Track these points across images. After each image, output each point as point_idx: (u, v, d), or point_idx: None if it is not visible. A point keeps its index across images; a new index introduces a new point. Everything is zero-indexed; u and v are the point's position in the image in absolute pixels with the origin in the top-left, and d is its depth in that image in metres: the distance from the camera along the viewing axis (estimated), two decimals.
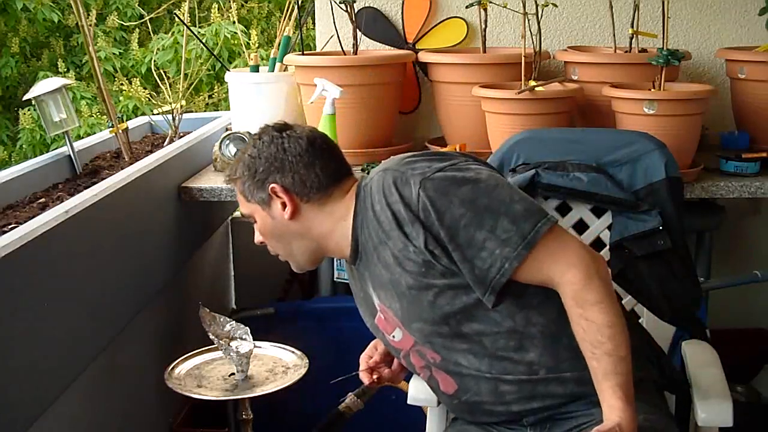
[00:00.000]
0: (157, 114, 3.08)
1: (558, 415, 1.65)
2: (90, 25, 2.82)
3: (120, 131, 2.62)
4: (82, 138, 3.22)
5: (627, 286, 1.93)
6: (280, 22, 2.94)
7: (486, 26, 2.65)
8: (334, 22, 2.68)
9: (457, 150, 2.47)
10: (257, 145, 1.68)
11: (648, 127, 2.16)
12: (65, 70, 7.26)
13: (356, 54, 2.66)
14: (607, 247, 1.94)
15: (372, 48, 2.87)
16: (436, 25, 2.87)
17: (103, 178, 2.28)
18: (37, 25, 7.48)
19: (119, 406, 2.20)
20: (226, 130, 2.87)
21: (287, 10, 2.85)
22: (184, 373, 2.14)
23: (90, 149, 2.69)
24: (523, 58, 2.38)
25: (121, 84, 5.43)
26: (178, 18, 3.74)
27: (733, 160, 2.41)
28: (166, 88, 2.97)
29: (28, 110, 6.74)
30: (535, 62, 2.46)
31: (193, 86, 3.10)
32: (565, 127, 2.40)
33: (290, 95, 2.73)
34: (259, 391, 2.06)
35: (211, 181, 2.53)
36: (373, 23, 2.86)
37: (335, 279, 2.84)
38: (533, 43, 2.44)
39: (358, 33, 2.68)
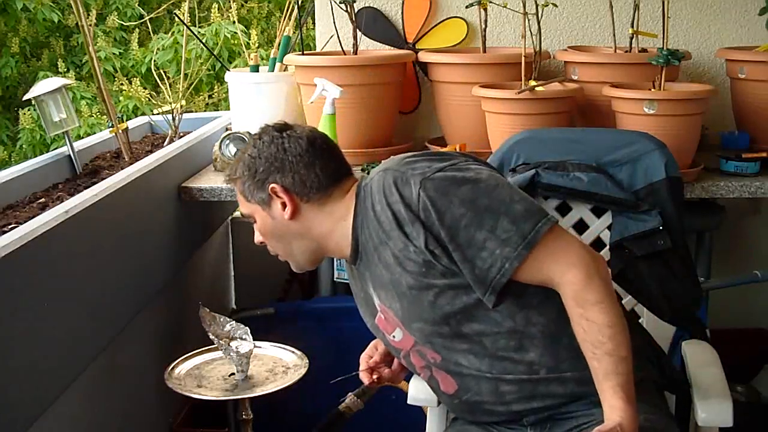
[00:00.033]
0: (157, 114, 3.08)
1: (558, 415, 1.65)
2: (90, 25, 2.82)
3: (120, 131, 2.62)
4: (82, 138, 3.22)
5: (627, 286, 1.93)
6: (280, 22, 2.94)
7: (486, 26, 2.65)
8: (334, 22, 2.68)
9: (457, 150, 2.47)
10: (257, 145, 1.68)
11: (648, 127, 2.16)
12: (65, 70, 7.26)
13: (356, 54, 2.66)
14: (607, 247, 1.94)
15: (372, 48, 2.87)
16: (436, 25, 2.87)
17: (103, 178, 2.28)
18: (37, 25, 7.48)
19: (119, 406, 2.20)
20: (226, 130, 2.87)
21: (287, 10, 2.85)
22: (184, 373, 2.14)
23: (90, 149, 2.69)
24: (523, 58, 2.38)
25: (121, 84, 5.44)
26: (178, 18, 3.74)
27: (733, 160, 2.41)
28: (166, 88, 2.97)
29: (28, 110, 6.75)
30: (535, 62, 2.46)
31: (193, 86, 3.10)
32: (565, 127, 2.40)
33: (290, 95, 2.73)
34: (259, 391, 2.06)
35: (211, 181, 2.53)
36: (373, 23, 2.86)
37: (335, 279, 2.84)
38: (533, 43, 2.44)
39: (358, 33, 2.68)
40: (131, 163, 2.45)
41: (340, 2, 2.57)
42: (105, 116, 6.15)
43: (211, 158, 2.64)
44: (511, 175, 1.97)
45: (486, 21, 2.64)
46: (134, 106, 6.24)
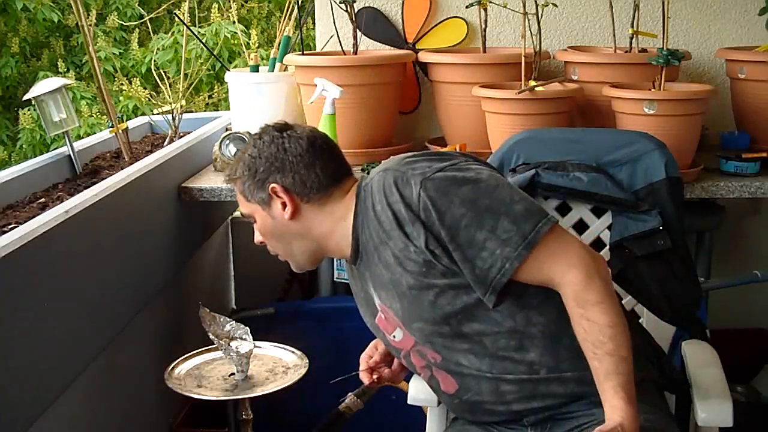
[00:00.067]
0: (157, 114, 3.08)
1: (559, 415, 1.65)
2: (90, 25, 2.82)
3: (120, 131, 2.62)
4: (82, 138, 3.22)
5: (627, 286, 1.93)
6: (280, 22, 2.94)
7: (486, 26, 2.66)
8: (334, 22, 2.68)
9: (457, 150, 2.47)
10: (258, 145, 1.68)
11: (648, 127, 2.16)
12: (65, 70, 7.26)
13: (356, 54, 2.66)
14: (607, 247, 1.94)
15: (372, 48, 2.87)
16: (436, 25, 2.87)
17: (103, 178, 2.28)
18: (37, 25, 7.48)
19: (119, 406, 2.20)
20: (226, 130, 2.87)
21: (287, 10, 2.85)
22: (184, 373, 2.14)
23: (90, 149, 2.69)
24: (523, 58, 2.38)
25: (121, 84, 5.44)
26: (178, 18, 3.73)
27: (733, 160, 2.41)
28: (166, 88, 2.97)
29: (28, 110, 6.75)
30: (535, 62, 2.46)
31: (193, 86, 3.10)
32: (565, 127, 2.40)
33: (290, 95, 2.73)
34: (259, 391, 2.06)
35: (211, 181, 2.53)
36: (373, 23, 2.86)
37: (335, 279, 2.84)
38: (533, 43, 2.44)
39: (358, 33, 2.68)
40: (131, 163, 2.45)
41: (340, 2, 2.57)
42: (105, 116, 6.15)
43: (211, 158, 2.64)
44: (511, 175, 1.97)
45: (486, 21, 2.64)
46: (134, 106, 6.24)
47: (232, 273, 3.23)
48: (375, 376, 1.83)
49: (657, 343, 1.86)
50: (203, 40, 4.94)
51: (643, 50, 2.58)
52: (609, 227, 1.96)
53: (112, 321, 2.06)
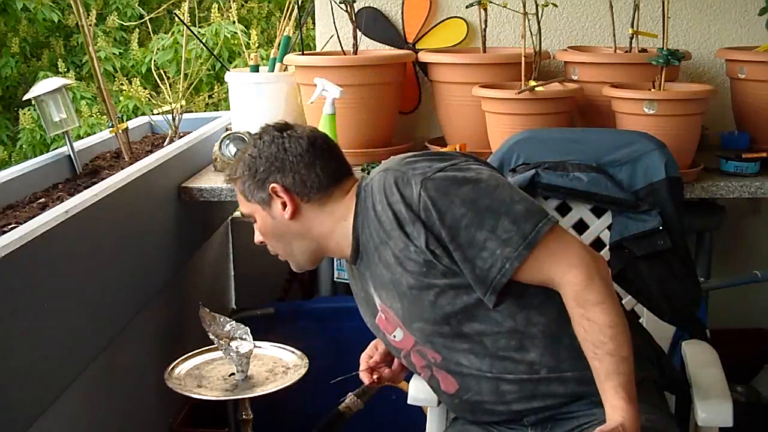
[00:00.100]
0: (157, 114, 3.08)
1: (559, 415, 1.65)
2: (90, 25, 2.82)
3: (120, 131, 2.62)
4: (82, 138, 3.22)
5: (627, 286, 1.93)
6: (280, 22, 2.94)
7: (486, 26, 2.66)
8: (334, 22, 2.68)
9: (457, 150, 2.47)
10: (258, 145, 1.68)
11: (648, 127, 2.16)
12: (65, 70, 7.26)
13: (356, 54, 2.66)
14: (607, 247, 1.94)
15: (372, 48, 2.87)
16: (436, 25, 2.87)
17: (103, 178, 2.28)
18: (37, 25, 7.48)
19: (119, 406, 2.20)
20: (226, 130, 2.87)
21: (287, 10, 2.85)
22: (184, 373, 2.14)
23: (90, 149, 2.69)
24: (523, 58, 2.38)
25: (121, 84, 5.44)
26: (178, 18, 3.73)
27: (733, 160, 2.41)
28: (166, 88, 2.97)
29: (28, 110, 6.75)
30: (535, 62, 2.46)
31: (193, 86, 3.10)
32: (565, 127, 2.40)
33: (290, 95, 2.73)
34: (259, 391, 2.06)
35: (211, 181, 2.53)
36: (373, 23, 2.86)
37: (335, 279, 2.84)
38: (533, 43, 2.44)
39: (358, 33, 2.68)
40: (131, 163, 2.45)
41: (340, 2, 2.57)
42: (105, 116, 6.15)
43: (211, 158, 2.64)
44: (511, 175, 1.97)
45: (486, 21, 2.64)
46: (134, 106, 6.24)
47: (232, 273, 3.23)
48: (375, 376, 1.83)
49: (657, 343, 1.87)
50: (203, 40, 4.94)
51: (643, 50, 2.58)
52: (609, 227, 1.96)
53: (112, 321, 2.06)
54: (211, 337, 2.13)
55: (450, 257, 1.56)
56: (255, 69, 2.84)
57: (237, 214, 3.11)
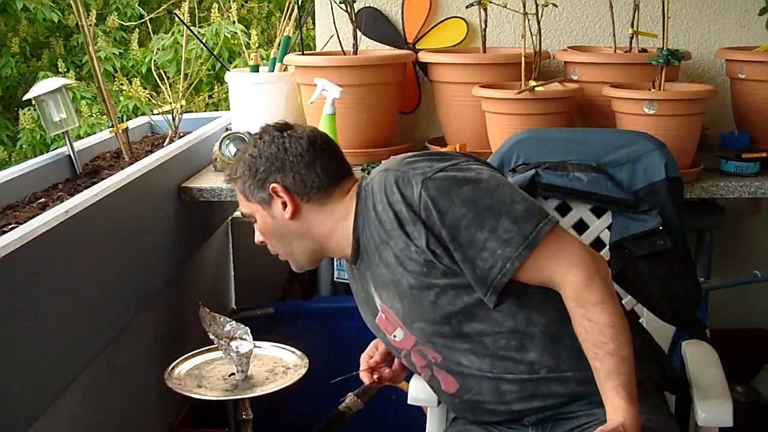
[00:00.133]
0: (157, 114, 3.08)
1: (559, 415, 1.65)
2: (90, 25, 2.82)
3: (120, 131, 2.62)
4: (82, 138, 3.22)
5: (627, 286, 1.93)
6: (280, 22, 2.94)
7: (486, 26, 2.65)
8: (334, 22, 2.68)
9: (457, 150, 2.47)
10: (258, 145, 1.68)
11: (648, 127, 2.16)
12: (65, 70, 7.27)
13: (356, 54, 2.66)
14: (607, 247, 1.94)
15: (372, 48, 2.87)
16: (436, 25, 2.87)
17: (103, 178, 2.28)
18: (37, 25, 7.48)
19: (119, 406, 2.20)
20: (226, 130, 2.87)
21: (287, 10, 2.85)
22: (184, 373, 2.14)
23: (90, 149, 2.69)
24: (523, 58, 2.38)
25: (121, 84, 5.44)
26: (178, 18, 3.74)
27: (733, 160, 2.41)
28: (166, 88, 2.97)
29: (28, 110, 6.75)
30: (535, 62, 2.46)
31: (193, 86, 3.10)
32: (565, 127, 2.40)
33: (290, 95, 2.73)
34: (259, 391, 2.06)
35: (211, 181, 2.53)
36: (373, 23, 2.86)
37: (335, 279, 2.84)
38: (533, 43, 2.44)
39: (358, 33, 2.68)
40: (131, 163, 2.45)
41: (340, 2, 2.57)
42: (105, 116, 6.15)
43: (211, 158, 2.64)
44: (511, 175, 1.97)
45: (486, 21, 2.64)
46: (134, 106, 6.24)
47: (232, 273, 3.23)
48: (375, 376, 1.83)
49: (657, 343, 1.87)
50: (203, 40, 4.94)
51: (643, 50, 2.58)
52: (609, 227, 1.96)
53: (112, 321, 2.06)
54: (211, 337, 2.13)
55: (450, 257, 1.57)
56: (255, 69, 2.84)
57: (237, 214, 3.11)
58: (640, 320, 1.97)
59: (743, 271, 2.61)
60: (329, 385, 1.94)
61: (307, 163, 1.66)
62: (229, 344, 2.12)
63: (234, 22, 5.92)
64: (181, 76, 3.02)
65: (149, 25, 6.15)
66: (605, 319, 1.51)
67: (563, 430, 1.64)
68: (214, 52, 4.40)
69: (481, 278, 1.56)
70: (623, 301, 1.88)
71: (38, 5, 7.20)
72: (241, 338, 2.16)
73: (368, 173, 1.70)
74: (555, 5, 2.57)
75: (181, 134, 2.91)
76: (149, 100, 3.56)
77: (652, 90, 2.32)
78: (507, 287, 1.56)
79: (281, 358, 2.20)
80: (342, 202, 1.67)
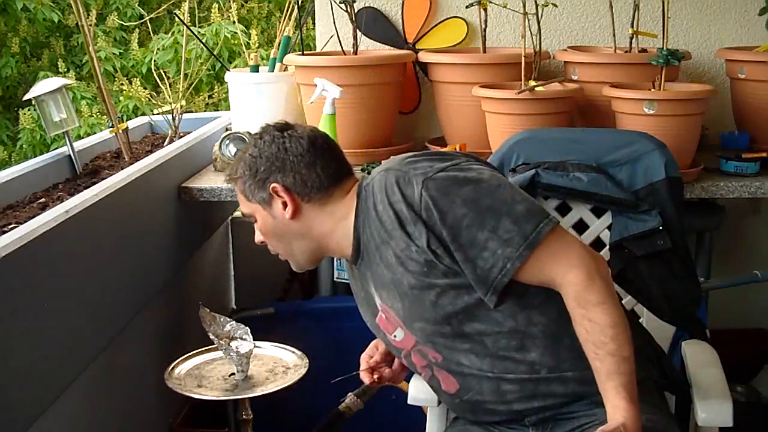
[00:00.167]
0: (157, 114, 3.08)
1: (560, 415, 1.65)
2: (90, 25, 2.82)
3: (120, 131, 2.62)
4: (82, 138, 3.22)
5: (627, 286, 1.93)
6: (280, 22, 2.94)
7: (486, 26, 2.65)
8: (334, 22, 2.68)
9: (458, 150, 2.47)
10: (258, 145, 1.68)
11: (648, 127, 2.16)
12: (65, 70, 7.27)
13: (356, 54, 2.66)
14: (607, 247, 1.94)
15: (372, 48, 2.87)
16: (436, 25, 2.87)
17: (103, 178, 2.28)
18: (37, 25, 7.48)
19: (119, 406, 2.20)
20: (226, 130, 2.87)
21: (287, 10, 2.85)
22: (184, 373, 2.14)
23: (90, 149, 2.69)
24: (523, 58, 2.38)
25: (121, 84, 5.44)
26: (178, 18, 3.74)
27: (733, 160, 2.41)
28: (166, 88, 2.97)
29: (28, 110, 6.75)
30: (535, 62, 2.46)
31: (193, 86, 3.10)
32: (565, 127, 2.40)
33: (290, 95, 2.73)
34: (259, 391, 2.06)
35: (211, 181, 2.53)
36: (373, 23, 2.86)
37: (335, 279, 2.84)
38: (533, 43, 2.44)
39: (358, 33, 2.68)
40: (131, 163, 2.45)
41: (340, 2, 2.57)
42: (105, 116, 6.15)
43: (211, 158, 2.64)
44: (511, 175, 1.97)
45: (486, 21, 2.64)
46: (134, 106, 6.24)
47: (232, 273, 3.23)
48: (375, 376, 1.83)
49: (657, 343, 1.87)
50: (203, 40, 4.94)
51: (643, 50, 2.58)
52: (609, 227, 1.96)
53: (112, 321, 2.06)
54: (211, 337, 2.13)
55: (451, 257, 1.57)
56: (255, 69, 2.84)
57: (237, 214, 3.11)
58: (640, 320, 1.97)
59: (743, 271, 2.61)
60: (329, 385, 1.94)
61: (308, 162, 1.66)
62: (229, 344, 2.12)
63: (234, 22, 5.92)
64: (181, 76, 3.02)
65: (149, 25, 6.15)
66: (606, 320, 1.51)
67: (564, 430, 1.64)
68: (214, 52, 4.40)
69: (482, 278, 1.56)
70: (623, 301, 1.88)
71: (38, 5, 7.20)
72: (241, 338, 2.16)
73: (368, 173, 1.70)
74: (555, 5, 2.58)
75: (181, 134, 2.91)
76: (149, 100, 3.56)
77: (652, 90, 2.32)
78: (507, 287, 1.56)
79: (281, 358, 2.20)
80: (342, 202, 1.67)
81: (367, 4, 2.87)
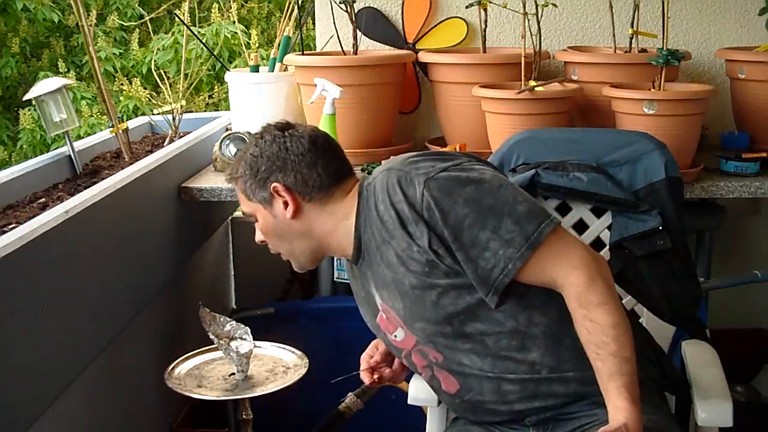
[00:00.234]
0: (157, 114, 3.08)
1: (560, 416, 1.65)
2: (90, 25, 2.82)
3: (120, 131, 2.62)
4: (82, 138, 3.22)
5: (627, 286, 1.93)
6: (280, 22, 2.94)
7: (486, 26, 2.66)
8: (334, 22, 2.68)
9: (458, 150, 2.47)
10: (259, 144, 1.68)
11: (648, 127, 2.16)
12: (65, 70, 7.27)
13: (356, 54, 2.66)
14: (607, 247, 1.94)
15: (372, 48, 2.87)
16: (436, 25, 2.87)
17: (103, 178, 2.28)
18: (37, 25, 7.48)
19: (119, 406, 2.20)
20: (226, 130, 2.87)
21: (287, 10, 2.85)
22: (184, 373, 2.14)
23: (90, 149, 2.69)
24: (523, 58, 2.38)
25: (121, 84, 5.44)
26: (178, 18, 3.74)
27: (733, 160, 2.41)
28: (166, 88, 2.97)
29: (29, 110, 6.75)
30: (535, 62, 2.46)
31: (193, 86, 3.10)
32: (565, 127, 2.40)
33: (290, 95, 2.73)
34: (259, 391, 2.05)
35: (211, 181, 2.53)
36: (373, 23, 2.86)
37: (335, 279, 2.84)
38: (533, 43, 2.44)
39: (358, 33, 2.68)
40: (131, 163, 2.45)
41: (340, 2, 2.57)
42: (105, 116, 6.15)
43: (211, 158, 2.64)
44: (511, 175, 1.97)
45: (486, 21, 2.65)
46: (134, 106, 6.25)
47: (232, 273, 3.23)
48: (375, 376, 1.83)
49: (657, 343, 1.87)
50: (203, 40, 4.94)
51: (643, 50, 2.58)
52: (609, 227, 1.96)
53: (112, 321, 2.06)
54: (211, 337, 2.13)
55: (453, 257, 1.57)
56: (255, 69, 2.84)
57: (237, 214, 3.11)
58: (640, 320, 1.97)
59: (743, 271, 2.61)
60: (329, 385, 1.94)
61: (309, 162, 1.66)
62: (229, 344, 2.12)
63: (234, 22, 5.92)
64: (181, 76, 3.02)
65: (149, 25, 6.16)
66: (607, 320, 1.51)
67: (564, 430, 1.64)
68: (214, 52, 4.40)
69: (483, 278, 1.56)
70: (623, 301, 1.88)
71: (38, 5, 7.20)
72: (241, 338, 2.16)
73: (369, 173, 1.70)
74: (555, 5, 2.58)
75: (181, 134, 2.91)
76: (149, 100, 3.56)
77: (652, 90, 2.32)
78: (509, 288, 1.56)
79: (281, 358, 2.20)
80: (343, 202, 1.67)
81: (367, 4, 2.87)
